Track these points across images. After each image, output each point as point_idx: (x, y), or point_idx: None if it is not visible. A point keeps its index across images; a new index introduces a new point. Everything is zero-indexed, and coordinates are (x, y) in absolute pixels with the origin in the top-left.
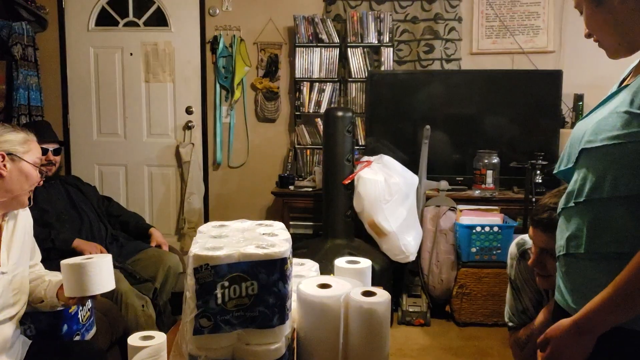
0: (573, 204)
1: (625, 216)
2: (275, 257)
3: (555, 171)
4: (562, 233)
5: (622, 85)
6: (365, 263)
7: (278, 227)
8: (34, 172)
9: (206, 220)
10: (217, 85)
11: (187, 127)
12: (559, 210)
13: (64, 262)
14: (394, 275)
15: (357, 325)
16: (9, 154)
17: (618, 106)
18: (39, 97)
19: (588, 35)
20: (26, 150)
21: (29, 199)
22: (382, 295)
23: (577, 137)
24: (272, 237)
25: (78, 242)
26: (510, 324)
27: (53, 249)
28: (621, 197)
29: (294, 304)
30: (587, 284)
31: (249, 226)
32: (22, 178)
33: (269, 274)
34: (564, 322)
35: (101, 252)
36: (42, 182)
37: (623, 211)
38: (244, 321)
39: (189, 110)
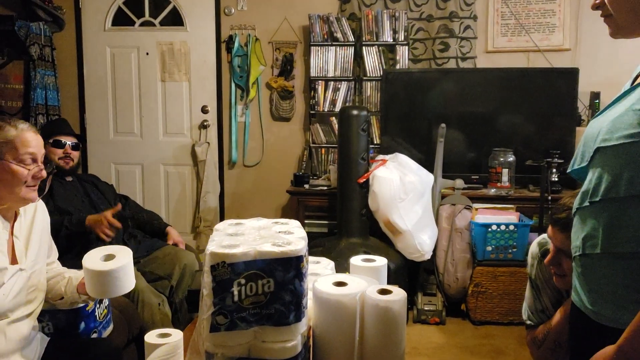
0: (588, 204)
1: None
2: (292, 255)
3: (569, 170)
4: (578, 233)
5: (636, 83)
6: (381, 261)
7: (294, 225)
8: (19, 169)
9: (222, 218)
10: (233, 85)
11: (203, 126)
12: (573, 210)
13: (85, 265)
14: (409, 273)
15: (373, 323)
16: None
17: (634, 104)
18: (56, 97)
19: (596, 7)
20: (8, 149)
21: (43, 189)
22: (398, 294)
23: (592, 135)
24: (288, 235)
25: (89, 219)
26: (528, 322)
27: (72, 234)
28: (638, 196)
29: (309, 302)
30: (604, 284)
31: (265, 224)
32: (7, 177)
33: (285, 271)
34: (609, 348)
35: (109, 220)
36: (44, 174)
37: None
38: (260, 319)
39: (204, 110)
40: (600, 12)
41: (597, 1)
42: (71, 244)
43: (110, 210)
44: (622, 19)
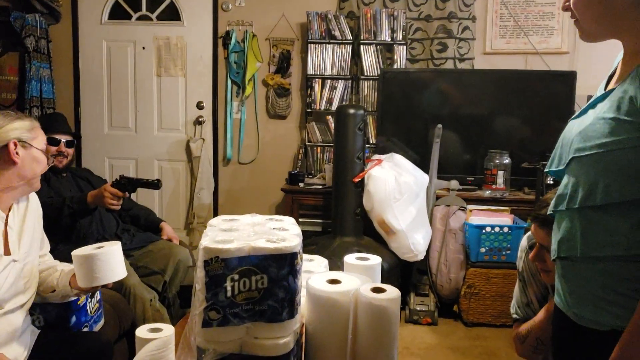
0: (564, 208)
1: (619, 221)
2: (286, 252)
3: (546, 169)
4: (555, 236)
5: (609, 89)
6: (375, 260)
7: (288, 222)
8: (43, 157)
9: (215, 215)
10: (229, 81)
11: (198, 122)
12: (549, 212)
13: (74, 253)
14: (402, 273)
15: (366, 321)
16: (20, 141)
17: (605, 112)
18: (51, 90)
19: (565, 9)
20: (34, 136)
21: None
22: (392, 292)
23: (568, 139)
24: (282, 232)
25: (90, 195)
26: (514, 315)
27: (75, 213)
28: (614, 204)
29: (302, 299)
30: (584, 286)
31: (259, 220)
32: (33, 164)
33: (279, 268)
34: None
35: (110, 191)
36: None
37: (617, 216)
38: (253, 315)
39: (199, 105)
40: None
41: (566, 3)
42: (75, 222)
43: (107, 184)
44: (587, 25)
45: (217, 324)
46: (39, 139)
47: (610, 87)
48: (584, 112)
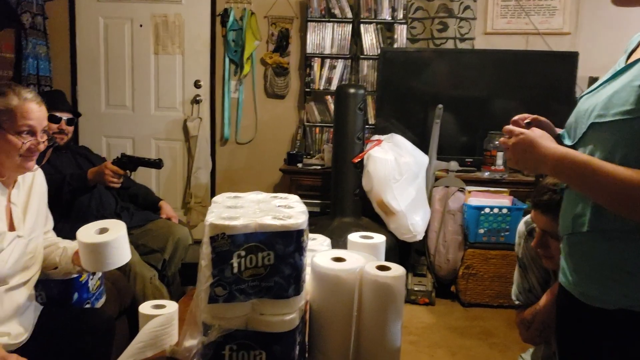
0: None
1: None
2: (292, 229)
3: None
4: (568, 212)
5: (635, 59)
6: (380, 238)
7: (293, 199)
8: (14, 140)
9: (213, 195)
10: (227, 59)
11: (195, 101)
12: (563, 185)
13: (81, 240)
14: (400, 254)
15: (371, 299)
16: None
17: (632, 80)
18: (47, 67)
19: None
20: (7, 117)
21: (42, 159)
22: (397, 270)
23: (585, 112)
24: (288, 209)
25: (91, 172)
26: (517, 302)
27: (75, 190)
28: None
29: (307, 277)
30: (589, 263)
31: (264, 198)
32: (3, 146)
33: (286, 245)
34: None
35: (111, 169)
36: (42, 147)
37: None
38: (259, 291)
39: (197, 84)
40: None
41: None
42: (74, 199)
43: (108, 161)
44: None
45: (223, 300)
46: (20, 121)
47: (632, 59)
48: (600, 86)
